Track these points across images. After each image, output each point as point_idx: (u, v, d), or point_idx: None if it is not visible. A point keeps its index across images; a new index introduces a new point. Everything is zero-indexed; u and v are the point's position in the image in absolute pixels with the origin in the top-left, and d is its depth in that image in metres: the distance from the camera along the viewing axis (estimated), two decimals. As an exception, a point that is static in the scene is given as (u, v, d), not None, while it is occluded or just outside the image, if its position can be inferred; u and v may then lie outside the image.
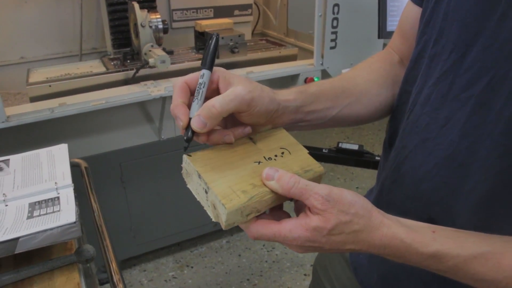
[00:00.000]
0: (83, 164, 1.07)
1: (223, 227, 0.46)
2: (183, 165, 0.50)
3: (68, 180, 0.92)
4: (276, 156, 0.52)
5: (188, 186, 0.51)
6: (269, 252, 2.05)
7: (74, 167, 1.03)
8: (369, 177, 2.68)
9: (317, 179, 0.52)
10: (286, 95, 0.55)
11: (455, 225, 0.46)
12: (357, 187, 2.60)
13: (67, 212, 0.79)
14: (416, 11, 0.60)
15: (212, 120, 0.47)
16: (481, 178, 0.44)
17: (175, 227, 1.92)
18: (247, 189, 0.46)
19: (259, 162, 0.50)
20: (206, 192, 0.47)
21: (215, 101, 0.46)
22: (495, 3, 0.43)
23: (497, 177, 0.43)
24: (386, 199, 0.58)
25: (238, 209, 0.45)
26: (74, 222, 0.72)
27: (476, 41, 0.45)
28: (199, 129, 0.47)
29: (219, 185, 0.46)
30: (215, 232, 2.11)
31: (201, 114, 0.46)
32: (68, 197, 0.86)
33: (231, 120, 0.53)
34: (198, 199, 0.49)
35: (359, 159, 1.76)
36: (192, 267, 1.96)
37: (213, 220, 0.47)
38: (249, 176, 0.48)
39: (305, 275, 1.92)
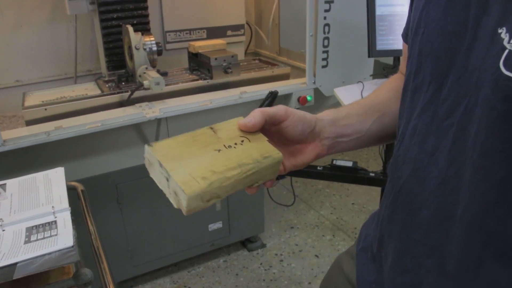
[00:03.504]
0: (80, 187, 1.07)
1: (184, 213, 0.48)
2: (145, 155, 0.52)
3: (65, 203, 0.92)
4: (236, 144, 0.54)
5: (151, 175, 0.53)
6: (267, 271, 2.05)
7: (70, 190, 1.04)
8: (364, 193, 2.69)
9: (276, 165, 0.55)
10: (319, 114, 0.62)
11: (454, 251, 0.48)
12: (352, 203, 2.61)
13: (64, 236, 0.79)
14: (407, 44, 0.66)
15: (256, 117, 0.54)
16: (469, 201, 0.45)
17: (172, 248, 1.91)
18: (207, 176, 0.48)
19: (219, 150, 0.52)
20: (168, 180, 0.48)
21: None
22: (461, 37, 0.46)
23: (483, 199, 0.44)
24: (387, 229, 0.59)
25: (198, 194, 0.47)
26: (72, 246, 0.73)
27: (449, 72, 0.48)
28: (246, 122, 0.54)
29: (179, 173, 0.47)
30: (212, 252, 2.11)
31: (248, 115, 0.55)
32: (65, 220, 0.86)
33: (278, 139, 0.59)
34: (160, 188, 0.51)
35: (354, 175, 1.78)
36: (189, 287, 1.94)
37: (175, 206, 0.49)
38: (209, 163, 0.50)
39: (303, 293, 1.92)
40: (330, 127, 0.61)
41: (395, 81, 0.72)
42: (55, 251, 0.71)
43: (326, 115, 0.62)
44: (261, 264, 2.10)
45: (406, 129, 0.54)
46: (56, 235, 0.81)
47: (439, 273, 0.50)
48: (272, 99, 0.63)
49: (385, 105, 0.67)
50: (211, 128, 0.55)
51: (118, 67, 1.81)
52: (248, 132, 0.55)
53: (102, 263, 0.81)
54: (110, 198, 1.64)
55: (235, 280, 1.99)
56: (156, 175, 0.51)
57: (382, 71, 1.73)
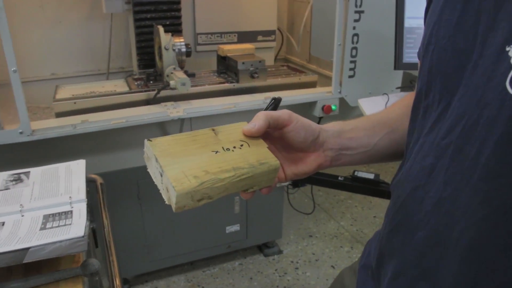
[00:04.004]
0: (99, 180, 1.10)
1: (174, 209, 0.49)
2: (145, 149, 0.53)
3: (82, 195, 0.95)
4: (234, 147, 0.54)
5: (148, 170, 0.54)
6: (281, 277, 2.04)
7: (90, 182, 1.07)
8: (387, 207, 2.64)
9: (272, 172, 0.55)
10: (325, 125, 0.61)
11: (448, 276, 0.46)
12: (374, 216, 2.57)
13: (77, 226, 0.82)
14: None
15: (260, 121, 0.54)
16: (466, 225, 0.44)
17: (188, 246, 1.94)
18: (199, 175, 0.49)
19: (216, 152, 0.53)
20: (161, 175, 0.49)
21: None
22: (469, 54, 0.45)
23: (481, 224, 0.42)
24: (386, 248, 0.58)
25: (188, 192, 0.47)
26: (82, 237, 0.75)
27: (456, 90, 0.47)
28: (250, 128, 0.54)
29: (173, 169, 0.48)
30: (229, 254, 2.12)
31: (252, 120, 0.55)
32: (80, 211, 0.89)
33: (281, 145, 0.59)
34: (155, 182, 0.52)
35: (375, 188, 1.75)
36: (203, 287, 1.96)
37: (166, 202, 0.50)
38: (204, 164, 0.50)
39: (315, 302, 1.90)
40: (334, 138, 0.61)
41: (410, 99, 0.71)
42: (66, 240, 0.74)
43: (332, 126, 0.62)
44: (276, 270, 2.10)
45: (414, 147, 0.54)
46: (70, 224, 0.83)
47: None
48: (274, 105, 0.63)
49: (396, 122, 0.66)
50: (213, 130, 0.56)
51: (148, 66, 1.85)
52: (249, 137, 0.56)
53: (111, 256, 0.83)
54: (131, 194, 1.68)
55: (249, 284, 1.99)
56: (152, 169, 0.52)
57: (410, 84, 1.70)
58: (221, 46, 1.86)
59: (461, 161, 0.44)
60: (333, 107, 1.72)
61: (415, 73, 1.78)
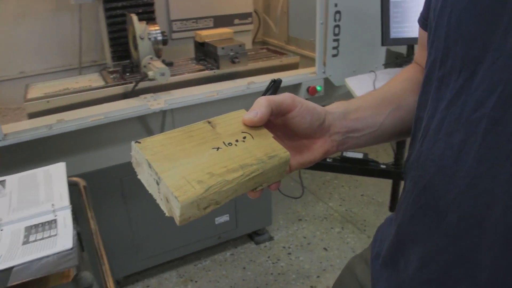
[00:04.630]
0: (82, 182, 1.04)
1: (178, 223, 0.42)
2: (132, 153, 0.45)
3: (66, 201, 0.89)
4: (237, 141, 0.47)
5: (138, 177, 0.46)
6: (274, 264, 2.02)
7: (72, 186, 1.01)
8: (373, 184, 2.64)
9: (283, 165, 0.49)
10: (328, 106, 0.56)
11: (488, 260, 0.43)
12: (362, 195, 2.57)
13: (64, 237, 0.76)
14: (424, 31, 0.60)
15: (262, 108, 0.48)
16: (508, 204, 0.40)
17: (178, 241, 1.89)
18: (204, 179, 0.42)
19: (217, 149, 0.46)
20: (158, 184, 0.42)
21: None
22: (498, 16, 0.41)
23: None
24: (408, 233, 0.54)
25: (193, 202, 0.40)
26: (71, 249, 0.69)
27: (484, 57, 0.42)
28: (251, 117, 0.49)
29: (172, 176, 0.41)
30: (219, 245, 2.08)
31: (252, 107, 0.50)
32: (65, 219, 0.83)
33: (283, 133, 0.54)
34: (150, 192, 0.45)
35: (364, 167, 1.73)
36: (196, 281, 1.92)
37: (167, 215, 0.43)
38: (206, 165, 0.43)
39: (311, 287, 1.89)
40: (340, 121, 0.55)
41: (410, 72, 0.67)
42: (54, 254, 0.68)
43: (336, 107, 0.56)
44: (268, 257, 2.07)
45: (431, 122, 0.49)
46: (55, 235, 0.77)
47: (471, 285, 0.45)
48: (275, 88, 0.57)
49: (400, 97, 0.61)
50: (209, 122, 0.49)
51: (123, 57, 1.77)
52: (251, 127, 0.49)
53: (103, 264, 0.78)
54: (115, 192, 1.61)
55: (242, 273, 1.96)
56: (144, 176, 0.45)
57: (395, 60, 1.67)
58: (198, 32, 1.78)
59: (497, 135, 0.40)
60: (318, 88, 1.68)
61: (398, 49, 1.75)
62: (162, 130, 1.54)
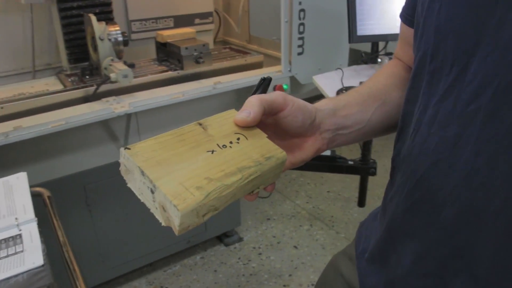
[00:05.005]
0: (46, 193, 0.98)
1: (176, 232, 0.39)
2: (121, 160, 0.42)
3: (30, 214, 0.83)
4: (231, 143, 0.46)
5: (128, 185, 0.43)
6: (246, 265, 2.00)
7: (35, 196, 0.94)
8: (339, 180, 2.68)
9: (280, 166, 0.47)
10: (317, 103, 0.55)
11: (486, 252, 0.43)
12: (328, 191, 2.60)
13: (32, 253, 0.71)
14: (408, 26, 0.61)
15: (254, 107, 0.47)
16: (507, 196, 0.40)
17: (146, 248, 1.83)
18: (202, 185, 0.40)
19: (212, 151, 0.44)
20: (153, 192, 0.40)
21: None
22: (490, 9, 0.41)
23: None
24: (401, 228, 0.53)
25: (193, 209, 0.38)
26: (42, 265, 0.64)
27: (476, 50, 0.42)
28: (244, 117, 0.47)
29: (168, 183, 0.39)
30: (188, 249, 2.04)
31: (243, 106, 0.48)
32: (31, 234, 0.77)
33: (274, 132, 0.52)
34: (142, 200, 0.42)
35: (333, 164, 1.75)
36: (166, 287, 1.87)
37: (163, 224, 0.41)
38: (202, 169, 0.41)
39: (284, 286, 1.88)
40: (330, 118, 0.54)
41: (392, 67, 0.67)
42: (23, 272, 0.63)
43: (325, 104, 0.55)
44: (239, 258, 2.05)
45: (423, 116, 0.49)
46: (22, 251, 0.72)
47: (469, 277, 0.45)
48: (265, 86, 0.55)
49: (385, 93, 0.61)
50: (200, 124, 0.47)
51: (80, 59, 1.69)
52: (244, 127, 0.48)
53: (77, 279, 0.73)
54: (78, 200, 1.53)
55: (214, 276, 1.93)
56: (136, 185, 0.42)
57: (361, 57, 1.69)
58: (160, 32, 1.73)
59: (495, 127, 0.40)
60: (284, 86, 1.67)
61: (361, 47, 1.77)
62: (126, 134, 1.49)
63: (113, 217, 1.66)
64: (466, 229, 0.44)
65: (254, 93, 0.54)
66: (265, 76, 0.56)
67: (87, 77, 1.57)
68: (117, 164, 1.36)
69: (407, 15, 0.60)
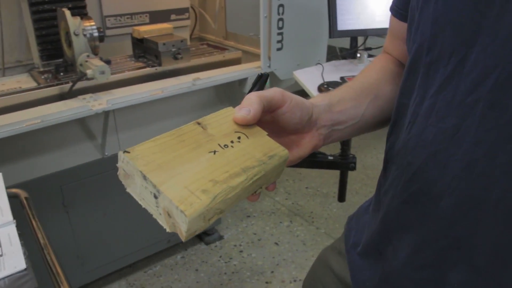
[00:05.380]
0: (23, 194, 0.94)
1: (183, 238, 0.38)
2: (120, 164, 0.41)
3: (8, 216, 0.80)
4: (232, 142, 0.44)
5: (127, 190, 0.41)
6: (227, 264, 1.98)
7: (12, 198, 0.90)
8: (317, 176, 2.69)
9: (282, 164, 0.47)
10: (312, 99, 0.55)
11: (486, 242, 0.43)
12: (306, 187, 2.61)
13: (12, 257, 0.67)
14: (399, 20, 0.61)
15: (254, 105, 0.46)
16: (508, 186, 0.40)
17: (125, 249, 1.79)
18: (208, 188, 0.38)
19: (214, 152, 0.42)
20: (156, 197, 0.38)
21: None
22: (489, 0, 0.40)
23: None
24: (397, 221, 0.53)
25: (200, 214, 0.37)
26: (25, 269, 0.61)
27: (475, 41, 0.42)
28: (244, 115, 0.46)
29: (172, 187, 0.37)
30: (169, 249, 2.00)
31: (242, 104, 0.47)
32: (10, 237, 0.74)
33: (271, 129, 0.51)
34: (143, 206, 0.40)
35: (313, 160, 1.75)
36: (147, 288, 1.84)
37: (168, 230, 0.39)
38: (206, 171, 0.40)
39: (266, 283, 1.88)
40: (326, 113, 0.54)
41: (382, 61, 0.67)
42: (4, 277, 0.60)
43: (321, 100, 0.55)
44: (220, 257, 2.03)
45: (420, 109, 0.48)
46: (1, 255, 0.68)
47: (467, 267, 0.45)
48: (262, 83, 0.54)
49: (377, 87, 0.61)
50: (199, 124, 0.45)
51: (53, 56, 1.63)
52: (243, 126, 0.47)
53: (61, 284, 0.70)
54: (55, 202, 1.48)
55: (196, 276, 1.91)
56: (136, 190, 0.40)
57: (336, 53, 1.70)
58: (136, 28, 1.69)
59: (495, 118, 0.40)
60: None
61: (339, 42, 1.78)
62: (104, 132, 1.45)
63: (91, 218, 1.61)
64: (465, 219, 0.44)
65: (251, 90, 0.53)
66: (262, 73, 0.55)
67: (62, 74, 1.52)
68: (95, 163, 1.32)
69: (398, 9, 0.60)
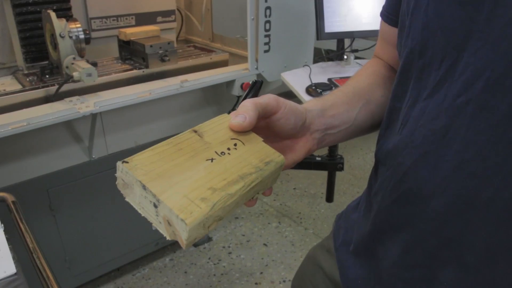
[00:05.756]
0: (10, 198, 0.93)
1: (184, 246, 0.39)
2: (118, 174, 0.41)
3: (-4, 220, 0.79)
4: (229, 149, 0.45)
5: (126, 199, 0.42)
6: (216, 265, 1.98)
7: (-1, 202, 0.90)
8: (304, 177, 2.71)
9: (278, 170, 0.48)
10: (305, 104, 0.55)
11: (478, 241, 0.44)
12: (294, 188, 2.62)
13: (1, 261, 0.67)
14: (389, 25, 0.62)
15: (249, 111, 0.46)
16: (500, 186, 0.41)
17: (113, 252, 1.77)
18: (207, 196, 0.39)
19: (212, 160, 0.43)
20: (156, 206, 0.39)
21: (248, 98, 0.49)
22: (478, 5, 0.42)
23: None
24: (387, 221, 0.54)
25: (200, 222, 0.38)
26: (15, 274, 0.61)
27: (466, 45, 0.43)
28: (240, 122, 0.46)
29: (172, 196, 0.38)
30: (157, 251, 1.99)
31: (238, 110, 0.47)
32: (-1, 241, 0.73)
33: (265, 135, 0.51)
34: (143, 215, 0.41)
35: (301, 161, 1.76)
36: (135, 292, 1.83)
37: (168, 238, 0.40)
38: (205, 179, 0.41)
39: (256, 284, 1.88)
40: (319, 118, 0.55)
41: (373, 66, 0.68)
42: (-5, 281, 0.59)
43: (314, 105, 0.56)
44: (209, 258, 2.03)
45: (412, 111, 0.50)
46: (-10, 259, 0.68)
47: (458, 266, 0.46)
48: (256, 89, 0.55)
49: (368, 92, 0.62)
50: (195, 132, 0.46)
51: (38, 58, 1.61)
52: (239, 132, 0.47)
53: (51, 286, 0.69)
54: (42, 205, 1.47)
55: (185, 278, 1.90)
56: (136, 199, 0.41)
57: (321, 55, 1.71)
58: (123, 30, 1.68)
59: (486, 119, 0.41)
60: (251, 85, 1.66)
61: (325, 44, 1.80)
62: (91, 135, 1.43)
63: (79, 221, 1.60)
64: (456, 219, 0.45)
65: (245, 96, 0.53)
66: (256, 80, 0.56)
67: (47, 76, 1.50)
68: (82, 166, 1.32)
69: (389, 14, 0.61)
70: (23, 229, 0.83)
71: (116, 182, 0.42)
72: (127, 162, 0.40)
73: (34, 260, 0.76)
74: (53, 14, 1.36)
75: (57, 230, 1.54)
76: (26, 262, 0.77)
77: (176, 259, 2.01)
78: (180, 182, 0.40)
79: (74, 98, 1.37)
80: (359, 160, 2.92)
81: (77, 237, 1.62)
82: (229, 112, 0.50)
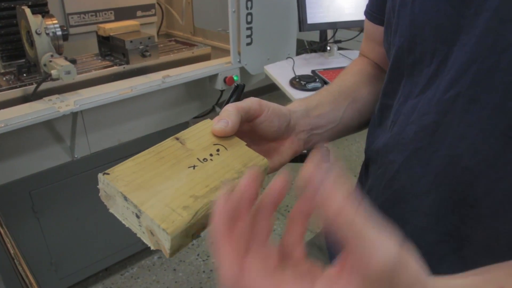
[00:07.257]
0: (-11, 202, 0.90)
1: (168, 255, 0.38)
2: (100, 186, 0.41)
3: (-25, 225, 0.76)
4: (211, 155, 0.44)
5: (110, 210, 0.41)
6: (205, 262, 1.97)
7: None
8: (291, 170, 2.68)
9: (263, 173, 0.46)
10: (289, 105, 0.54)
11: (475, 235, 0.43)
12: (281, 181, 2.61)
13: (-18, 268, 0.64)
14: (374, 24, 0.62)
15: (231, 116, 0.45)
16: (495, 178, 0.41)
17: (100, 252, 1.75)
18: (189, 204, 0.38)
19: (194, 167, 0.42)
20: (138, 217, 0.38)
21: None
22: None
23: None
24: (381, 219, 0.53)
25: (183, 230, 0.37)
26: (-4, 281, 0.59)
27: (456, 40, 0.43)
28: (222, 127, 0.45)
29: (153, 206, 0.37)
30: (145, 250, 1.97)
31: (220, 115, 0.46)
32: (-21, 247, 0.70)
33: (250, 139, 0.50)
34: (127, 225, 0.41)
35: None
36: (124, 291, 1.80)
37: (152, 248, 0.39)
38: (186, 187, 0.40)
39: (245, 278, 1.87)
40: (304, 119, 0.54)
41: (359, 65, 0.68)
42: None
43: (298, 105, 0.55)
44: (198, 255, 2.02)
45: (402, 108, 0.49)
46: (-31, 267, 0.65)
47: (456, 259, 0.46)
48: (239, 93, 0.54)
49: (354, 90, 0.62)
50: (177, 139, 0.45)
51: (14, 56, 1.57)
52: (222, 137, 0.46)
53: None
54: (24, 208, 1.43)
55: (174, 276, 1.89)
56: (119, 210, 0.40)
57: (304, 47, 1.70)
58: (101, 25, 1.65)
59: (476, 112, 0.41)
60: (235, 78, 1.65)
61: (307, 36, 1.79)
62: (73, 134, 1.40)
63: (63, 223, 1.57)
64: (452, 214, 0.45)
65: (228, 100, 0.52)
66: (238, 83, 0.55)
67: (25, 75, 1.46)
68: (64, 166, 1.29)
69: (373, 13, 0.61)
70: (3, 234, 0.81)
71: (99, 194, 0.41)
72: (108, 174, 0.39)
73: (16, 266, 0.73)
74: (27, 10, 1.32)
75: (41, 233, 1.51)
76: (7, 268, 0.74)
77: (164, 257, 1.99)
78: (162, 191, 0.39)
79: (53, 97, 1.33)
80: (345, 150, 2.92)
81: (62, 239, 1.59)
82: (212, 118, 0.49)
